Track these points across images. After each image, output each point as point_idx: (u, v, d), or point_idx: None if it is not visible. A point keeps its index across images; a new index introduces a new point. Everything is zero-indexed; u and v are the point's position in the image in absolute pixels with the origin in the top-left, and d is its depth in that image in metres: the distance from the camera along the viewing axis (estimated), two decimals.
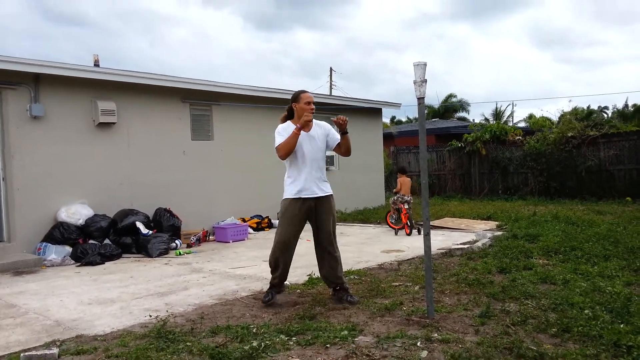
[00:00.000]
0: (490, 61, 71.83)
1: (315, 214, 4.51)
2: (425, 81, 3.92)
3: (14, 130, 7.54)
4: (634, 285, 4.70)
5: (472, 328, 3.68)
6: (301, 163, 4.48)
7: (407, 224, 8.85)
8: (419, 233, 8.72)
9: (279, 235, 4.52)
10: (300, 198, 4.46)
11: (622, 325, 3.45)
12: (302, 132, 4.44)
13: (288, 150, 4.39)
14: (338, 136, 4.62)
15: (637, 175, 13.13)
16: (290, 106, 4.58)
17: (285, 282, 4.79)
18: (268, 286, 4.72)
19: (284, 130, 4.48)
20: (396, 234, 8.90)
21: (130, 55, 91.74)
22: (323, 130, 4.61)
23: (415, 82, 3.93)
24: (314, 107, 4.50)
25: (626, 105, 29.91)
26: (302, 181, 4.46)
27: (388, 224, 9.62)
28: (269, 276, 5.81)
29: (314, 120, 4.57)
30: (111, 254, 7.45)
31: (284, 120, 4.64)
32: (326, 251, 4.57)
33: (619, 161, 13.41)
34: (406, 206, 9.09)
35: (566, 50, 69.11)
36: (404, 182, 9.49)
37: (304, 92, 4.56)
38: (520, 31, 79.72)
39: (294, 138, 4.36)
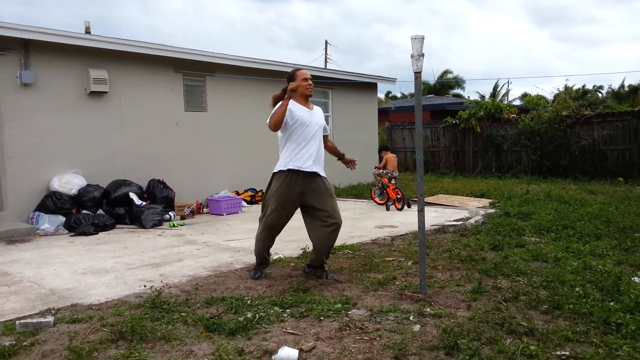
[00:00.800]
0: (487, 37, 71.15)
1: (312, 191, 4.35)
2: (423, 55, 3.85)
3: (3, 97, 7.41)
4: (625, 264, 4.76)
5: (464, 303, 3.72)
6: (300, 136, 4.32)
7: (397, 198, 8.91)
8: (409, 207, 8.79)
9: (268, 217, 4.44)
10: (295, 170, 4.30)
11: (612, 303, 3.50)
12: (303, 107, 4.38)
13: (276, 120, 4.19)
14: (328, 130, 4.70)
15: (629, 156, 13.19)
16: (285, 88, 4.39)
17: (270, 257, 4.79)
18: (275, 264, 4.74)
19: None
20: (387, 209, 8.94)
21: (123, 23, 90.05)
22: (321, 115, 4.59)
23: (412, 56, 3.86)
24: (311, 82, 4.43)
25: (622, 86, 29.82)
26: (303, 157, 4.31)
27: (373, 199, 9.73)
28: None
29: (314, 106, 4.54)
30: (104, 224, 7.44)
31: (275, 102, 4.40)
32: (332, 227, 4.36)
33: (612, 141, 13.45)
34: (393, 182, 9.17)
35: (563, 27, 68.51)
36: (390, 158, 9.55)
37: (299, 69, 4.51)
38: (517, 7, 78.80)
39: (281, 107, 4.19)
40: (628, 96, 28.03)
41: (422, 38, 3.84)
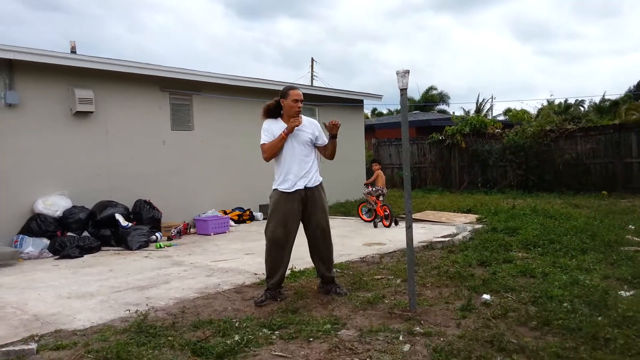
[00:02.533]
0: (471, 53, 72.15)
1: (306, 204, 4.39)
2: (408, 72, 3.96)
3: None
4: (611, 278, 4.79)
5: (454, 321, 3.71)
6: (289, 160, 4.37)
7: (385, 215, 8.91)
8: (396, 224, 8.80)
9: (271, 232, 4.36)
10: (290, 192, 4.35)
11: (600, 318, 3.52)
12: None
13: (273, 154, 4.37)
14: (325, 139, 4.55)
15: (612, 169, 13.38)
16: (278, 100, 4.45)
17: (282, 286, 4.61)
18: (263, 285, 4.67)
19: (269, 127, 4.39)
20: (375, 226, 8.94)
21: (109, 42, 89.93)
22: (313, 127, 4.50)
23: (397, 73, 3.97)
24: (301, 105, 4.40)
25: (604, 99, 30.32)
26: (291, 178, 4.35)
27: (360, 217, 9.71)
28: (251, 269, 5.80)
29: (303, 117, 4.48)
30: (90, 246, 7.33)
31: (267, 111, 4.46)
32: (320, 242, 4.48)
33: (595, 155, 13.65)
34: (381, 199, 9.18)
35: (545, 43, 69.64)
36: (380, 175, 9.55)
37: (293, 88, 4.45)
38: (501, 23, 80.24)
39: (280, 142, 4.31)
40: (609, 110, 28.50)
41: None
